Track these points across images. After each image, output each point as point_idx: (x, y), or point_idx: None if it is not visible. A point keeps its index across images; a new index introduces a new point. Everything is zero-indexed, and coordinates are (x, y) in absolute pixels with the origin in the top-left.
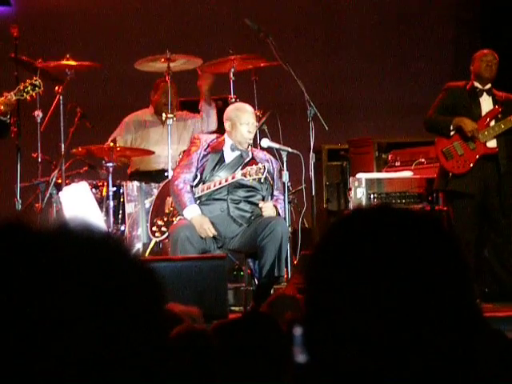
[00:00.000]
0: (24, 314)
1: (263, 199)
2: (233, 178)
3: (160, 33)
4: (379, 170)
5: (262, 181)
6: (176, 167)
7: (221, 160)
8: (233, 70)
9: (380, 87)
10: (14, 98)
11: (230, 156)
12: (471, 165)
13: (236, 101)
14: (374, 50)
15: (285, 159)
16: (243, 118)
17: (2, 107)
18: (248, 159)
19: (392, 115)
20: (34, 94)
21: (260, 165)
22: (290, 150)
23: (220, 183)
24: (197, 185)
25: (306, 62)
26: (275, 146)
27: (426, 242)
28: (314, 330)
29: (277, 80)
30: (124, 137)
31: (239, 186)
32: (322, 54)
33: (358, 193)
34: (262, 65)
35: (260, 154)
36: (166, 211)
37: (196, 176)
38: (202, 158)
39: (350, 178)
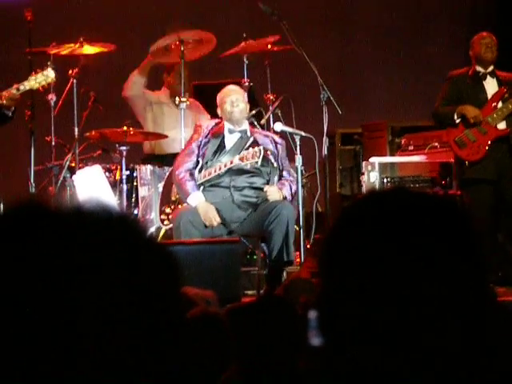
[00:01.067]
0: (41, 294)
1: (268, 183)
2: (231, 163)
3: (173, 16)
4: (392, 154)
5: (259, 164)
6: (178, 156)
7: (221, 145)
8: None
9: (393, 71)
10: (27, 88)
11: (230, 140)
12: (486, 149)
13: (249, 85)
14: (388, 33)
15: (298, 143)
16: (225, 98)
17: (5, 102)
18: (249, 142)
19: (405, 99)
20: (45, 85)
21: (256, 148)
22: (303, 133)
23: (220, 169)
24: (199, 171)
25: (319, 46)
26: (288, 129)
27: (440, 225)
28: (328, 313)
29: (290, 64)
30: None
31: (241, 172)
32: (336, 38)
33: (371, 177)
34: (275, 48)
35: (261, 135)
36: (173, 199)
37: (198, 162)
38: (203, 146)
39: (363, 163)
